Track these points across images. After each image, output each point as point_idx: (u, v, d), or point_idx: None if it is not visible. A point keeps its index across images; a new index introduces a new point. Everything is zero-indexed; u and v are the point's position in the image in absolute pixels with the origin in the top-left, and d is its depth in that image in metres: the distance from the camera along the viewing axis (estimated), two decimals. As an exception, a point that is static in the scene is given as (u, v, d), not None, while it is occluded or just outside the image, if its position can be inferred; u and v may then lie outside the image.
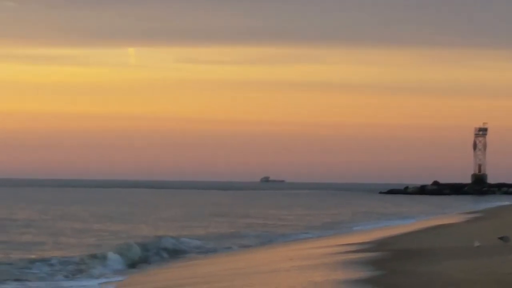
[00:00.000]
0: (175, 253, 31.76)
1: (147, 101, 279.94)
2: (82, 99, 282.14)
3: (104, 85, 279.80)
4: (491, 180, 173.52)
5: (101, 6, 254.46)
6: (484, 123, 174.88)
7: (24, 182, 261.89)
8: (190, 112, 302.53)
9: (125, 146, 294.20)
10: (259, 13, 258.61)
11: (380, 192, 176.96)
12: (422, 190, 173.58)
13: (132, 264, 26.60)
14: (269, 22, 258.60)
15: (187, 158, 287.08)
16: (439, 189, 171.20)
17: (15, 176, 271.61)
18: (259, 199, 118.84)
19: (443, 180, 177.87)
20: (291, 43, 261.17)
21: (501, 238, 27.70)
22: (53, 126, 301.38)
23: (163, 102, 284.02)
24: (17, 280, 22.27)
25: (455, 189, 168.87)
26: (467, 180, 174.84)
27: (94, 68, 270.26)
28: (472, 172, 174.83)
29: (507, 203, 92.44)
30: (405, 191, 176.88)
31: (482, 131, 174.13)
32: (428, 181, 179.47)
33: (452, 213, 69.14)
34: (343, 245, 32.90)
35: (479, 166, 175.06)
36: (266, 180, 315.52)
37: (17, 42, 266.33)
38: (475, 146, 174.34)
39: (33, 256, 28.03)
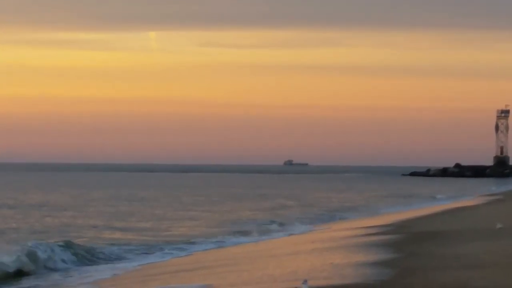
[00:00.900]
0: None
1: (168, 84, 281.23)
2: (103, 83, 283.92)
3: (125, 69, 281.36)
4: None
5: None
6: (506, 105, 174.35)
7: (39, 166, 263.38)
8: (213, 96, 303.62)
9: (148, 130, 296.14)
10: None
11: (403, 175, 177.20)
12: (444, 173, 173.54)
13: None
14: (289, 6, 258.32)
15: (210, 141, 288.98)
16: (461, 172, 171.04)
17: (29, 160, 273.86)
18: (293, 181, 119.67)
19: (465, 162, 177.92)
20: (312, 27, 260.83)
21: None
22: (76, 110, 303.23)
23: (185, 86, 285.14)
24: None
25: (477, 172, 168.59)
26: (489, 162, 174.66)
27: (116, 52, 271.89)
28: (494, 155, 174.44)
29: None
30: (427, 173, 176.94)
31: (504, 113, 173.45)
32: (450, 164, 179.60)
33: (474, 195, 69.54)
34: (365, 227, 33.72)
35: (501, 148, 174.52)
36: (290, 163, 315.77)
37: (39, 27, 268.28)
38: (497, 128, 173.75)
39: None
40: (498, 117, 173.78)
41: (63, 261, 22.46)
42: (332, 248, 25.39)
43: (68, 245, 23.89)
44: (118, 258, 24.06)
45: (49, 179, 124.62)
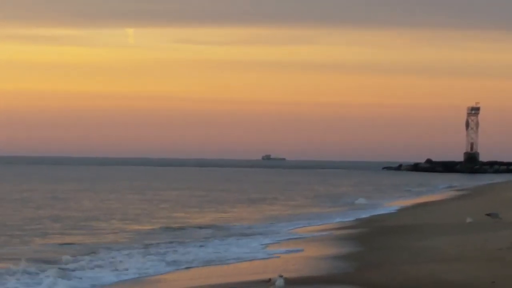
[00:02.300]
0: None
1: (145, 81, 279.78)
2: (81, 79, 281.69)
3: (102, 65, 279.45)
4: (483, 158, 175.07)
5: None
6: (476, 103, 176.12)
7: (19, 159, 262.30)
8: (190, 92, 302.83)
9: (123, 125, 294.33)
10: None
11: (376, 170, 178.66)
12: (415, 168, 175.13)
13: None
14: (266, 4, 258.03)
15: (186, 136, 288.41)
16: (432, 167, 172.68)
17: (9, 153, 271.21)
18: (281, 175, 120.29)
19: (436, 158, 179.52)
20: (290, 23, 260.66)
21: (489, 215, 28.90)
22: (51, 105, 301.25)
23: (162, 82, 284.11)
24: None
25: (448, 167, 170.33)
26: (460, 158, 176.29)
27: (93, 48, 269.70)
28: (465, 151, 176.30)
29: (497, 180, 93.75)
30: (399, 168, 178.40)
31: (474, 111, 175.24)
32: (422, 159, 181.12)
33: (443, 190, 70.38)
34: (335, 222, 34.06)
35: (471, 144, 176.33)
36: (267, 158, 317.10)
37: (17, 23, 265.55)
38: (467, 125, 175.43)
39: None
40: (469, 114, 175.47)
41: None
42: (305, 241, 25.70)
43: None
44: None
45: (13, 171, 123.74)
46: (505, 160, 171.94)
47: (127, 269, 19.30)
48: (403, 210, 41.51)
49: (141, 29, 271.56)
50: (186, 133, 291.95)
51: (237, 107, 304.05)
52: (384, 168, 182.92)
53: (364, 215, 37.83)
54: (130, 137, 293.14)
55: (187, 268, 19.94)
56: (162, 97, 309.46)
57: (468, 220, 28.05)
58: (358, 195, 57.93)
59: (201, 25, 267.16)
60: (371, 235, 26.52)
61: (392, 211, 40.68)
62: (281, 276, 14.49)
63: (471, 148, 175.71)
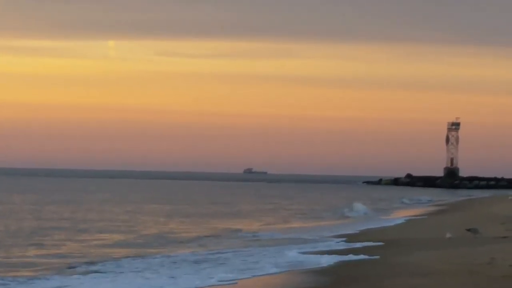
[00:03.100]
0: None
1: (127, 93, 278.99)
2: (62, 91, 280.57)
3: (84, 77, 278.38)
4: (463, 173, 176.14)
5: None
6: (457, 118, 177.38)
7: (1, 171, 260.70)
8: (171, 105, 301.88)
9: (105, 137, 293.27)
10: (239, 7, 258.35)
11: (356, 184, 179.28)
12: (395, 182, 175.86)
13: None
14: (249, 16, 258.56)
15: (168, 149, 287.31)
16: (412, 182, 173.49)
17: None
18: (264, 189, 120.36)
19: (416, 173, 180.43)
20: (271, 37, 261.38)
21: (469, 230, 29.19)
22: (31, 116, 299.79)
23: (143, 94, 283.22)
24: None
25: (428, 182, 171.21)
26: (440, 173, 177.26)
27: (74, 60, 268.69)
28: (445, 166, 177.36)
29: (477, 195, 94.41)
30: (379, 183, 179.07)
31: (454, 126, 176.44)
32: (402, 174, 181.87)
33: (423, 205, 70.75)
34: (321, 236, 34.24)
35: (452, 159, 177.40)
36: (249, 171, 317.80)
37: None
38: (447, 140, 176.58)
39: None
40: (449, 129, 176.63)
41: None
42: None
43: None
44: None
45: None
46: (485, 175, 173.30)
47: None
48: (383, 227, 41.71)
49: (122, 41, 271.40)
50: (167, 146, 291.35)
51: (218, 120, 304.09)
52: (364, 182, 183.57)
53: (353, 230, 37.97)
54: (111, 149, 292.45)
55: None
56: (144, 110, 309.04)
57: (448, 235, 28.30)
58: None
59: (183, 38, 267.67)
60: (352, 250, 26.67)
61: (372, 226, 40.87)
62: None
63: (451, 163, 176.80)
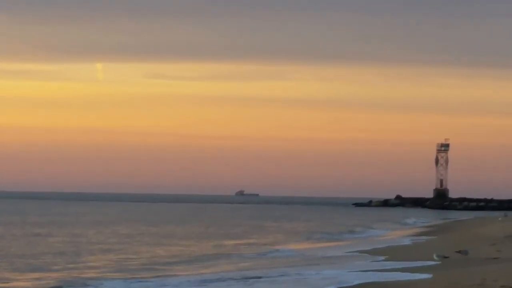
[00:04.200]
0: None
1: (115, 116, 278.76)
2: (49, 114, 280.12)
3: (71, 100, 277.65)
4: (452, 194, 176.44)
5: (68, 22, 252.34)
6: (446, 139, 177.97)
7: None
8: (160, 127, 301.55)
9: (93, 160, 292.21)
10: (227, 30, 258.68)
11: (345, 206, 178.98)
12: (385, 204, 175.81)
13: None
14: (238, 39, 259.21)
15: (158, 172, 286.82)
16: (401, 203, 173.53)
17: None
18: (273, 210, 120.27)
19: (405, 194, 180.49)
20: (262, 59, 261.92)
21: (459, 252, 29.00)
22: (20, 140, 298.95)
23: (132, 117, 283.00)
24: None
25: (417, 203, 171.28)
26: (429, 194, 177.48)
27: (62, 83, 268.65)
28: (434, 187, 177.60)
29: (466, 217, 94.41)
30: (369, 204, 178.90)
31: (444, 147, 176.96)
32: (391, 195, 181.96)
33: (412, 226, 70.65)
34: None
35: (441, 181, 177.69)
36: (241, 193, 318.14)
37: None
38: (437, 161, 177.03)
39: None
40: (438, 151, 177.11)
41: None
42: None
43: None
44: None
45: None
46: (474, 196, 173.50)
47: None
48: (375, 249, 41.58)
49: (110, 64, 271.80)
50: (157, 168, 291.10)
51: (209, 142, 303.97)
52: (354, 204, 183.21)
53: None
54: (99, 172, 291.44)
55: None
56: (132, 132, 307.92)
57: (435, 257, 28.02)
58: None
59: (171, 60, 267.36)
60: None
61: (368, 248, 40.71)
62: None
63: (441, 184, 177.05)
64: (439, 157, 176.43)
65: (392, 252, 34.05)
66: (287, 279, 23.89)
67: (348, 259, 31.79)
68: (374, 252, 34.84)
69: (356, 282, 21.86)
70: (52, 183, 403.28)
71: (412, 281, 21.61)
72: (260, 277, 24.17)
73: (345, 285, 21.52)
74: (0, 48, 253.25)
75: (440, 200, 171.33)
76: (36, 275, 26.29)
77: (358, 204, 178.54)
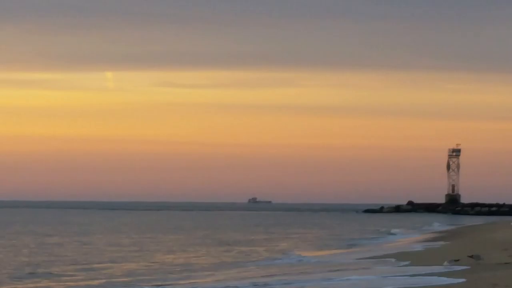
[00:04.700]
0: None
1: (125, 124, 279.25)
2: (60, 122, 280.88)
3: (81, 109, 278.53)
4: (464, 200, 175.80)
5: (78, 31, 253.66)
6: (457, 145, 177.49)
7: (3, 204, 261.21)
8: (172, 135, 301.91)
9: (104, 169, 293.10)
10: (237, 38, 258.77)
11: (357, 212, 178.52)
12: (397, 210, 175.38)
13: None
14: (248, 46, 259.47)
15: (170, 180, 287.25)
16: (413, 209, 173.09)
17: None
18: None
19: (417, 200, 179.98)
20: (272, 67, 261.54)
21: (471, 256, 29.08)
22: (31, 149, 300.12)
23: (142, 126, 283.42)
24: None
25: (429, 209, 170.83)
26: (441, 200, 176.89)
27: (72, 92, 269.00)
28: (446, 192, 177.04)
29: (478, 222, 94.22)
30: (381, 210, 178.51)
31: (455, 152, 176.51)
32: (403, 201, 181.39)
33: (424, 232, 70.66)
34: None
35: (453, 186, 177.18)
36: (254, 200, 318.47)
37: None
38: (448, 167, 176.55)
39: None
40: (450, 156, 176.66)
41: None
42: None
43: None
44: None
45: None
46: (487, 201, 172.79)
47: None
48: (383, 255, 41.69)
49: (120, 72, 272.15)
50: (169, 176, 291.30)
51: (221, 150, 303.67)
52: (365, 210, 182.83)
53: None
54: (111, 181, 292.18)
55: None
56: (143, 141, 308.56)
57: (445, 263, 28.12)
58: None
59: (182, 68, 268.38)
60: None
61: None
62: None
63: (453, 189, 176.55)
64: (451, 163, 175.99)
65: (413, 257, 34.12)
66: (316, 284, 24.00)
67: (369, 264, 31.79)
68: (395, 257, 34.95)
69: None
70: (61, 192, 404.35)
71: (453, 284, 21.63)
72: (290, 283, 24.31)
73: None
74: (10, 58, 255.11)
75: (452, 205, 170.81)
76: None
77: (369, 211, 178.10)
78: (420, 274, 25.54)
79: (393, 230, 72.10)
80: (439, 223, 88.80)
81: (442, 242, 47.95)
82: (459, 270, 26.20)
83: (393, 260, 33.24)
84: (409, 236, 62.25)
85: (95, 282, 27.30)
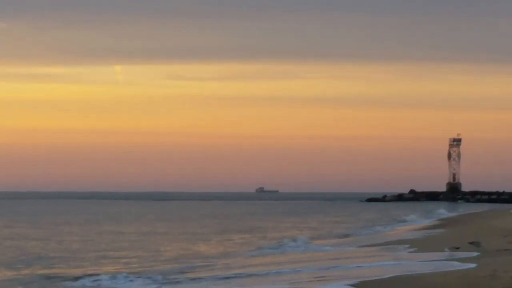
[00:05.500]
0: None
1: (135, 117, 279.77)
2: (70, 116, 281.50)
3: (91, 102, 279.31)
4: (465, 188, 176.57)
5: (87, 25, 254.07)
6: (458, 134, 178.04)
7: (10, 195, 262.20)
8: (181, 127, 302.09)
9: (114, 161, 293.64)
10: (244, 31, 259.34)
11: (360, 201, 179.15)
12: (399, 198, 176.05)
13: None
14: (254, 40, 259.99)
15: (180, 171, 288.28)
16: (415, 197, 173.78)
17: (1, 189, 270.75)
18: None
19: (419, 188, 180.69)
20: (277, 59, 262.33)
21: (471, 243, 29.70)
22: (42, 141, 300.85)
23: (152, 118, 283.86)
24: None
25: (431, 197, 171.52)
26: (442, 188, 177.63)
27: (82, 85, 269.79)
28: (447, 181, 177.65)
29: (479, 210, 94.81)
30: (384, 199, 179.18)
31: (456, 142, 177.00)
32: (405, 190, 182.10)
33: (426, 219, 71.31)
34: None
35: (454, 175, 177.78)
36: (261, 190, 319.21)
37: (7, 61, 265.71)
38: (449, 156, 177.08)
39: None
40: (451, 146, 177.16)
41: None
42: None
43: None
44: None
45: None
46: (487, 189, 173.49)
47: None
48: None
49: (129, 66, 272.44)
50: (178, 167, 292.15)
51: (229, 141, 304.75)
52: (368, 199, 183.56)
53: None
54: (122, 172, 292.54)
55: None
56: (153, 133, 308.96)
57: (446, 250, 28.66)
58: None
59: (190, 62, 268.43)
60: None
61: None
62: None
63: (453, 178, 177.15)
64: (452, 152, 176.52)
65: (416, 245, 34.73)
66: (348, 267, 24.80)
67: (375, 252, 32.26)
68: (397, 244, 35.55)
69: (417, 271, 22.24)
70: (69, 184, 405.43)
71: (462, 270, 22.19)
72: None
73: (405, 272, 21.90)
74: (21, 52, 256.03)
75: (453, 193, 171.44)
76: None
77: (372, 199, 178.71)
78: (430, 260, 25.96)
79: (408, 217, 73.41)
80: (445, 210, 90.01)
81: (442, 230, 48.56)
82: (466, 257, 26.77)
83: (400, 247, 33.84)
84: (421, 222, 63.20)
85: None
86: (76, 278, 25.05)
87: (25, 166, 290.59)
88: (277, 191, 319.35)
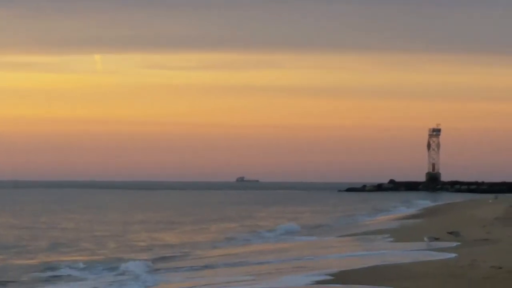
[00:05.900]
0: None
1: (114, 106, 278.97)
2: (49, 105, 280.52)
3: (70, 91, 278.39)
4: (444, 178, 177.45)
5: (66, 14, 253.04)
6: (437, 124, 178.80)
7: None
8: (160, 116, 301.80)
9: (93, 149, 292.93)
10: (224, 19, 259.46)
11: (339, 191, 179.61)
12: (379, 188, 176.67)
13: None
14: (234, 29, 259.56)
15: (160, 160, 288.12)
16: (395, 187, 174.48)
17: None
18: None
19: (399, 178, 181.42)
20: (257, 48, 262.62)
21: (451, 233, 29.64)
22: (22, 130, 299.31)
23: (130, 107, 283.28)
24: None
25: (410, 187, 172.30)
26: (422, 178, 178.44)
27: (61, 74, 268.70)
28: (427, 171, 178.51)
29: (458, 200, 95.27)
30: (363, 189, 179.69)
31: (435, 132, 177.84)
32: (385, 180, 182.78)
33: (406, 209, 71.45)
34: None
35: (433, 165, 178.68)
36: (241, 180, 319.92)
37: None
38: (429, 146, 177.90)
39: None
40: (430, 136, 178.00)
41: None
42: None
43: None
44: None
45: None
46: (466, 179, 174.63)
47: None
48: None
49: (108, 55, 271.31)
50: (158, 156, 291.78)
51: (209, 131, 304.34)
52: (348, 189, 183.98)
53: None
54: (100, 161, 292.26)
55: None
56: (132, 122, 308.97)
57: (426, 239, 28.60)
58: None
59: (169, 51, 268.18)
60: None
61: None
62: None
63: (433, 168, 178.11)
64: (431, 142, 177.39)
65: (394, 235, 34.67)
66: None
67: (355, 241, 32.20)
68: (376, 233, 35.58)
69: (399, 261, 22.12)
70: (49, 172, 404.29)
71: (442, 260, 22.04)
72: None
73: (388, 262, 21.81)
74: (1, 41, 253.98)
75: (433, 183, 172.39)
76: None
77: (352, 189, 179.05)
78: (410, 250, 25.91)
79: (387, 207, 74.21)
80: (424, 200, 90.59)
81: (421, 220, 48.61)
82: (445, 247, 26.69)
83: (379, 236, 33.75)
84: (400, 212, 63.63)
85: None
86: (48, 269, 24.57)
87: (4, 154, 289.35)
88: (258, 180, 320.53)
